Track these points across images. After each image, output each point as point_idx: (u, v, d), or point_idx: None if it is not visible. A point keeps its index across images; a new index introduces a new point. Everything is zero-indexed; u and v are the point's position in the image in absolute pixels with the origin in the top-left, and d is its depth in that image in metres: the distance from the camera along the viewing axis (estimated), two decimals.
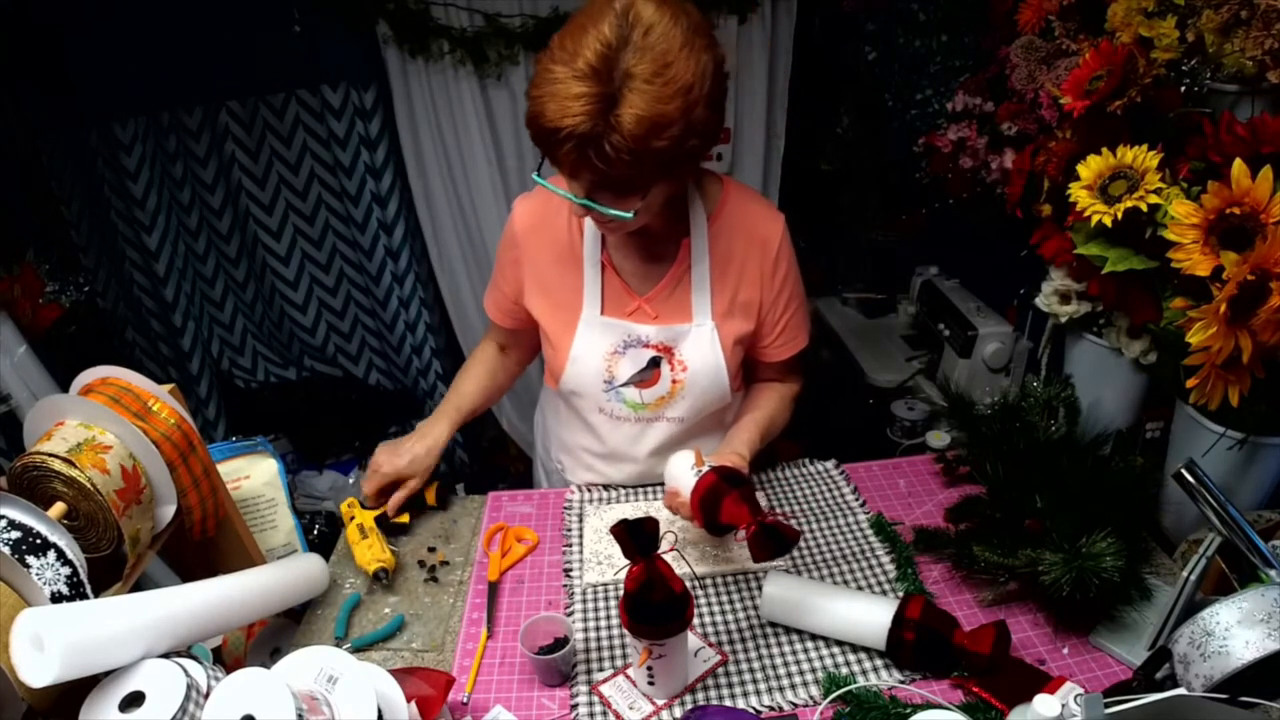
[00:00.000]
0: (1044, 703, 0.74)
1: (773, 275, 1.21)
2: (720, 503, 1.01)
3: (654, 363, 1.20)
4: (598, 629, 1.07)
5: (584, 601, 1.12)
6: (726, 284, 1.20)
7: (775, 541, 0.95)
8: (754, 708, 0.95)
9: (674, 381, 1.21)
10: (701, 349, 1.19)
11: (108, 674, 0.75)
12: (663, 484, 1.33)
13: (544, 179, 1.05)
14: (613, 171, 0.93)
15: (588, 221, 1.16)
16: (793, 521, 1.24)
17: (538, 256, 1.21)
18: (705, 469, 1.05)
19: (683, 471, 1.08)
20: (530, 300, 1.24)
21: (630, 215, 1.00)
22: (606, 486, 1.34)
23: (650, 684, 0.96)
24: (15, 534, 0.75)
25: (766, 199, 1.28)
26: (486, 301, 1.34)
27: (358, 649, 1.07)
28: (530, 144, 0.98)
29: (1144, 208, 0.99)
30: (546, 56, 0.94)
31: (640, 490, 1.34)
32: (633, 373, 1.21)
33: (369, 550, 1.17)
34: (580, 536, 1.24)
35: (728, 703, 0.96)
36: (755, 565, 1.15)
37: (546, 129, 0.92)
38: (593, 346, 1.20)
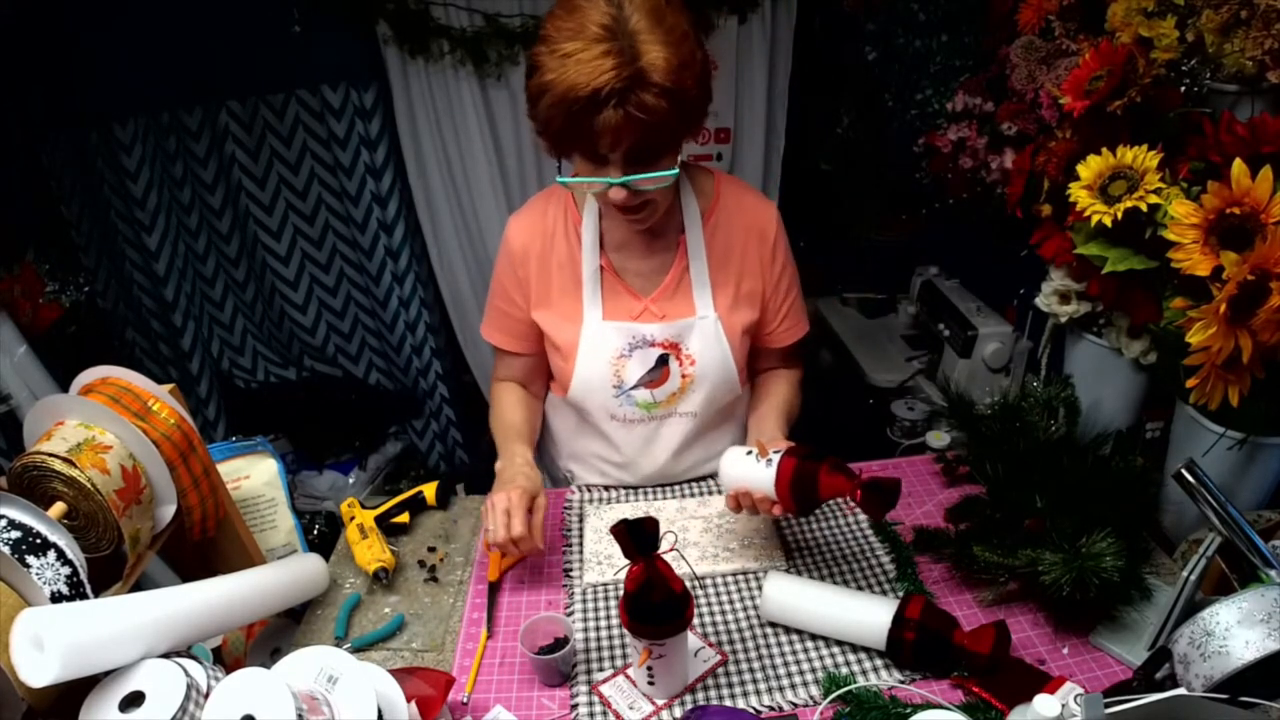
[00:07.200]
0: (1044, 703, 0.74)
1: (772, 263, 1.23)
2: (816, 480, 0.98)
3: (662, 360, 1.20)
4: (598, 629, 1.07)
5: (584, 601, 1.12)
6: (729, 276, 1.20)
7: (883, 495, 0.95)
8: (754, 708, 0.95)
9: (684, 376, 1.22)
10: (707, 340, 1.20)
11: (108, 674, 0.75)
12: (674, 484, 1.33)
13: (565, 179, 1.06)
14: (654, 120, 0.95)
15: (586, 228, 1.17)
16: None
17: (539, 270, 1.21)
18: (775, 456, 1.02)
19: (748, 467, 1.04)
20: (536, 314, 1.24)
21: (675, 172, 1.02)
22: (608, 487, 1.34)
23: (650, 684, 0.96)
24: (15, 534, 0.75)
25: (756, 189, 1.29)
26: (492, 333, 1.30)
27: (358, 649, 1.07)
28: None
29: (1144, 208, 0.99)
30: (543, 45, 0.96)
31: (640, 490, 1.34)
32: (641, 373, 1.21)
33: (369, 550, 1.17)
34: (580, 536, 1.24)
35: (728, 703, 0.96)
36: (755, 565, 1.15)
37: (582, 97, 0.92)
38: (598, 352, 1.20)
